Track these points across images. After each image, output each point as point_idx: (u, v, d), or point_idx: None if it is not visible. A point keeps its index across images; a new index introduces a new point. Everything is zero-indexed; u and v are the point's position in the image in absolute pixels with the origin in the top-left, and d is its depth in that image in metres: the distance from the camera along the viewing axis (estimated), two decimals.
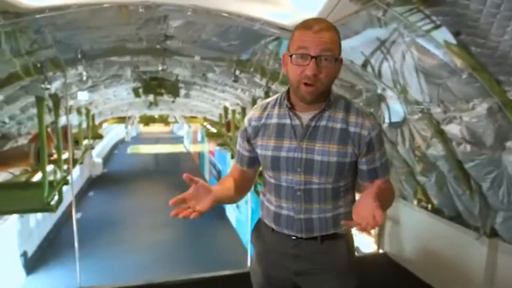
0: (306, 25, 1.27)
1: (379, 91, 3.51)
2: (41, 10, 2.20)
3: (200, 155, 21.00)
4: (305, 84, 1.28)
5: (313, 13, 2.25)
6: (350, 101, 1.45)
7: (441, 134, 3.27)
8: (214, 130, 12.85)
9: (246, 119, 1.53)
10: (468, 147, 3.01)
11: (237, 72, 4.46)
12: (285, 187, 1.46)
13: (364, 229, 1.18)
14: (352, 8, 2.16)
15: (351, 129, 1.38)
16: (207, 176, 17.47)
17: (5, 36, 2.76)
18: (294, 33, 1.31)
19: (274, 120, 1.45)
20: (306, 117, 1.40)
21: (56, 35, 2.93)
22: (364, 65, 3.13)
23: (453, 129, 3.03)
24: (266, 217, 1.59)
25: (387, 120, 3.81)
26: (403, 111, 3.45)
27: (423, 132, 3.50)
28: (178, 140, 30.69)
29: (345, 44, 3.03)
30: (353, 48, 3.07)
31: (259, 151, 1.48)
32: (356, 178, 1.51)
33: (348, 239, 1.56)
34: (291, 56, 1.29)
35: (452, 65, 2.34)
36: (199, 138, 21.37)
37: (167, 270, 8.51)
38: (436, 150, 3.45)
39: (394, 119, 3.54)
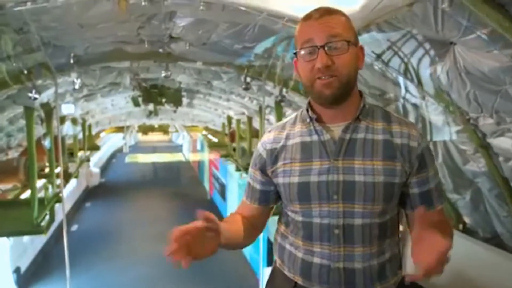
0: (306, 16, 1.11)
1: (413, 100, 3.12)
2: (21, 2, 1.78)
3: (200, 164, 20.65)
4: (319, 78, 1.07)
5: (355, 6, 1.85)
6: (387, 110, 1.20)
7: (486, 149, 2.93)
8: (215, 139, 12.49)
9: (260, 144, 1.26)
10: None
11: (248, 79, 4.05)
12: (318, 225, 1.14)
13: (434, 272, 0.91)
14: (406, 1, 1.75)
15: (397, 140, 1.12)
16: (206, 186, 17.03)
17: None
18: (297, 30, 1.14)
19: (297, 140, 1.18)
20: (337, 129, 1.14)
21: (44, 35, 2.50)
22: (404, 72, 2.74)
23: (504, 143, 2.67)
24: (289, 267, 1.21)
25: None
26: (442, 122, 3.06)
27: (461, 145, 3.14)
28: (177, 148, 30.40)
29: (379, 44, 2.67)
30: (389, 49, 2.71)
31: (280, 180, 1.18)
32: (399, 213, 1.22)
33: None
34: (296, 54, 1.11)
35: None
36: (198, 147, 21.04)
37: (169, 286, 8.11)
38: (477, 165, 3.12)
39: (434, 132, 3.16)
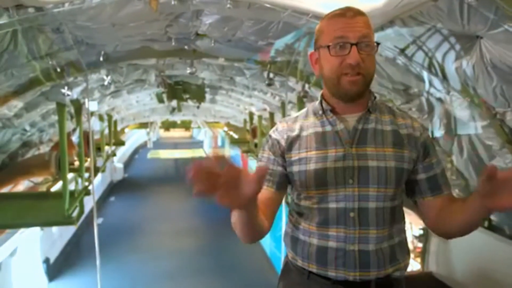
0: (337, 13, 1.19)
1: (438, 95, 3.09)
2: (60, 3, 1.90)
3: None
4: (346, 74, 1.16)
5: (378, 1, 1.87)
6: (390, 106, 1.34)
7: None
8: (235, 136, 12.55)
9: (275, 131, 1.32)
10: None
11: (271, 75, 4.11)
12: (334, 209, 1.21)
13: None
14: None
15: (403, 131, 1.25)
16: None
17: (22, 35, 2.47)
18: (324, 25, 1.21)
19: (310, 130, 1.27)
20: (350, 119, 1.25)
21: (77, 34, 2.63)
22: (429, 67, 2.73)
23: None
24: (303, 257, 1.26)
25: (440, 128, 3.41)
26: (467, 117, 3.02)
27: (487, 141, 3.09)
28: (198, 144, 30.69)
29: (402, 38, 2.66)
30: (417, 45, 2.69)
31: (295, 168, 1.25)
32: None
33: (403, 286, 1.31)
34: (328, 47, 1.16)
35: None
36: (219, 143, 21.19)
37: (190, 280, 8.24)
38: (504, 161, 3.06)
39: (459, 127, 3.12)
